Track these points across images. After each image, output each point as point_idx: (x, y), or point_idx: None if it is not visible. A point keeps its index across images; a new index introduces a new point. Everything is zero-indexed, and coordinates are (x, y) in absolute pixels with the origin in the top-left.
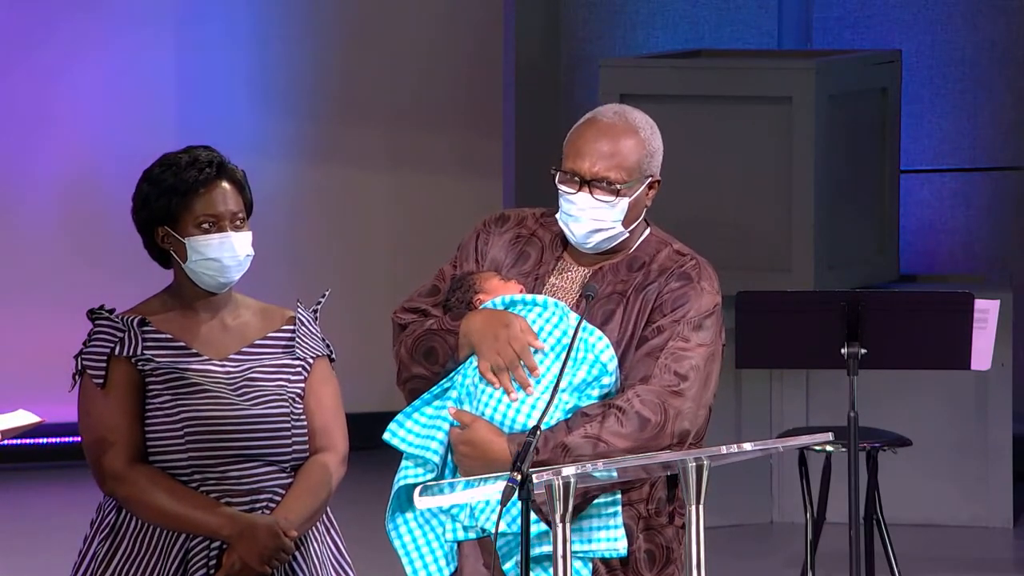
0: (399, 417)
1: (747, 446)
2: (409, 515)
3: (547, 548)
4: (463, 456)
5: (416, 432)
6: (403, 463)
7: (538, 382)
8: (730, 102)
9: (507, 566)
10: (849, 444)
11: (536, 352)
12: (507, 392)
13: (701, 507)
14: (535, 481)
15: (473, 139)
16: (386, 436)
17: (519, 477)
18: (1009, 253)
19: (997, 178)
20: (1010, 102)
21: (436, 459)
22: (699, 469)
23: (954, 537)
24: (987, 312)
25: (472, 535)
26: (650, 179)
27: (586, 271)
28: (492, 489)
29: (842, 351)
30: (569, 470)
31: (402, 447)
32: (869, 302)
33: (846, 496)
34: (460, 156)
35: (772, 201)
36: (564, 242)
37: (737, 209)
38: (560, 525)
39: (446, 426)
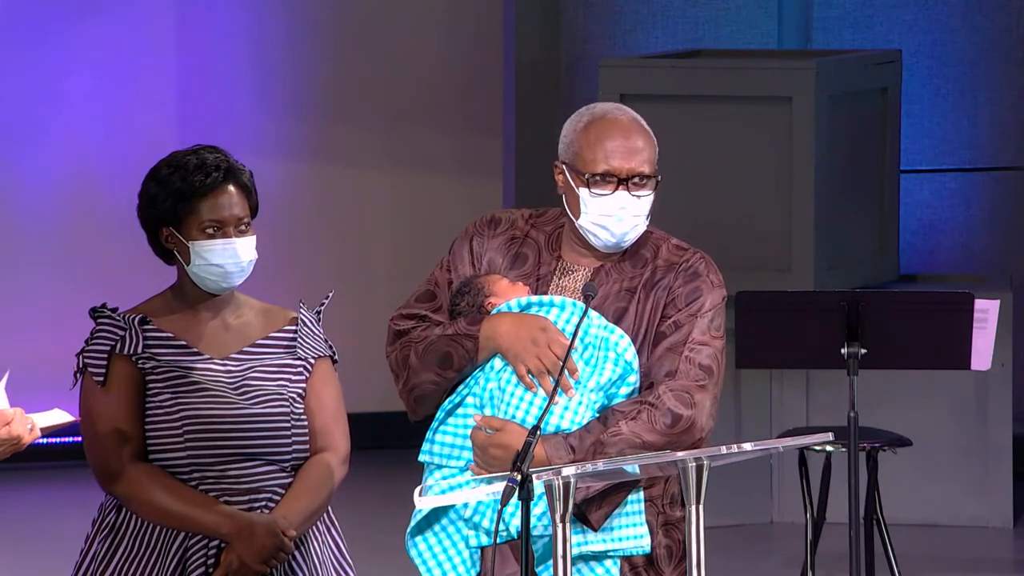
0: (428, 436)
1: (747, 446)
2: (427, 529)
3: (580, 549)
4: (495, 459)
5: (452, 444)
6: (425, 480)
7: (577, 384)
8: (730, 102)
9: (539, 568)
10: (849, 444)
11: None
12: (549, 396)
13: (701, 507)
14: (534, 481)
15: (473, 139)
16: (423, 458)
17: (519, 477)
18: (1009, 253)
19: (997, 178)
20: (1010, 102)
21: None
22: (699, 469)
23: (954, 537)
24: (987, 312)
25: (501, 539)
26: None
27: (587, 270)
28: (492, 489)
29: (842, 351)
30: (569, 470)
31: (444, 463)
32: (869, 302)
33: (846, 496)
34: (460, 156)
35: (772, 201)
36: (560, 241)
37: (737, 209)
38: (560, 525)
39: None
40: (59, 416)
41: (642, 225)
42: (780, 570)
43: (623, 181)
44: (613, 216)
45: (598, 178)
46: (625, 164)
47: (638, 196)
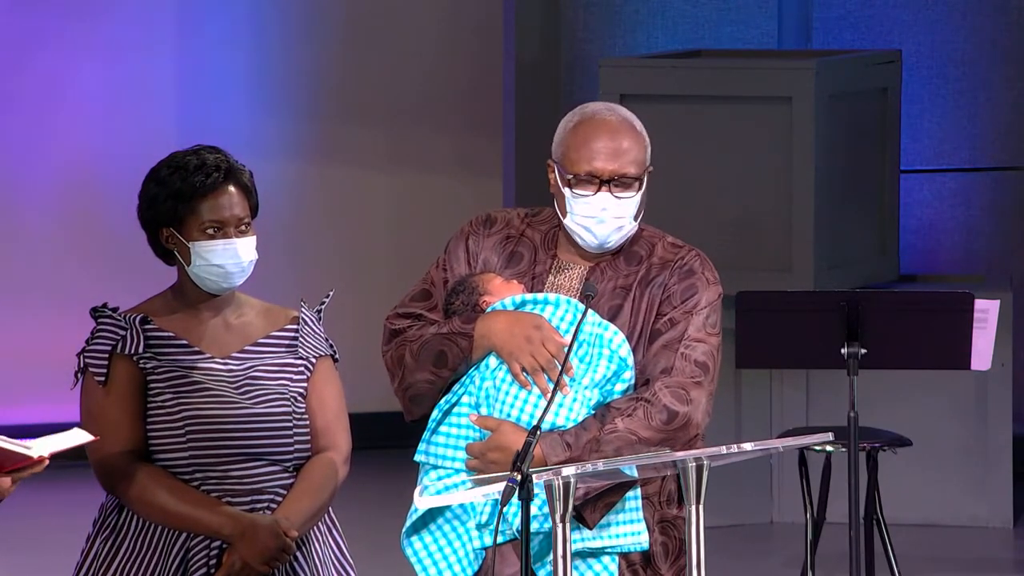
0: (424, 436)
1: (747, 446)
2: (423, 528)
3: (578, 545)
4: (493, 463)
5: (446, 444)
6: (422, 481)
7: (572, 381)
8: (730, 102)
9: (536, 565)
10: (849, 444)
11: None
12: (544, 393)
13: (701, 507)
14: (534, 481)
15: (473, 139)
16: (418, 458)
17: (519, 477)
18: (1009, 253)
19: (997, 178)
20: (1010, 102)
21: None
22: (699, 469)
23: (954, 537)
24: (987, 312)
25: (502, 539)
26: (649, 170)
27: (582, 268)
28: (492, 489)
29: (842, 351)
30: (569, 470)
31: (439, 463)
32: (869, 302)
33: (846, 496)
34: (460, 156)
35: (772, 201)
36: (556, 240)
37: (737, 209)
38: (560, 525)
39: (474, 434)
40: (79, 436)
41: (628, 227)
42: (780, 570)
43: (606, 182)
44: (595, 217)
45: (581, 179)
46: (608, 166)
47: (620, 198)
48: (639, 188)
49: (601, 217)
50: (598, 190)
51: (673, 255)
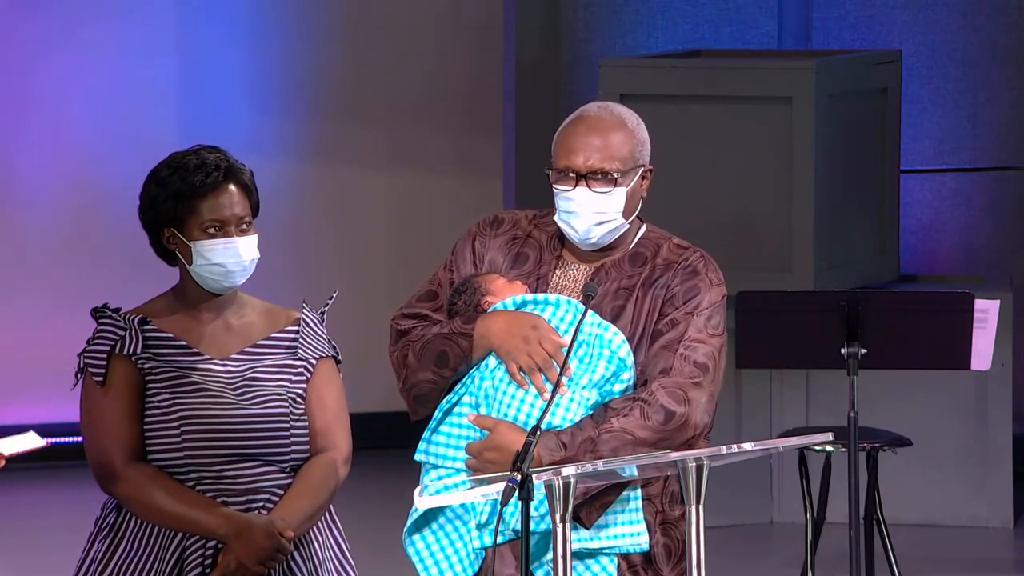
0: (425, 436)
1: (747, 446)
2: (425, 527)
3: (576, 546)
4: (491, 463)
5: (447, 444)
6: (423, 481)
7: (569, 381)
8: (730, 102)
9: (533, 565)
10: (849, 444)
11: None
12: (540, 393)
13: (701, 507)
14: (536, 481)
15: (473, 139)
16: (419, 457)
17: (519, 477)
18: (1009, 253)
19: (997, 178)
20: (1010, 102)
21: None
22: (699, 469)
23: (954, 537)
24: (987, 312)
25: (501, 539)
26: (643, 169)
27: (587, 269)
28: (491, 489)
29: (842, 351)
30: (569, 470)
31: (439, 463)
32: (869, 302)
33: (846, 496)
34: (460, 156)
35: (772, 201)
36: (562, 241)
37: (737, 209)
38: (560, 525)
39: (474, 434)
40: (31, 441)
41: (614, 223)
42: (780, 570)
43: (583, 177)
44: (573, 212)
45: (559, 174)
46: (584, 161)
47: (597, 192)
48: (624, 184)
49: (578, 212)
50: (575, 185)
51: (677, 256)
